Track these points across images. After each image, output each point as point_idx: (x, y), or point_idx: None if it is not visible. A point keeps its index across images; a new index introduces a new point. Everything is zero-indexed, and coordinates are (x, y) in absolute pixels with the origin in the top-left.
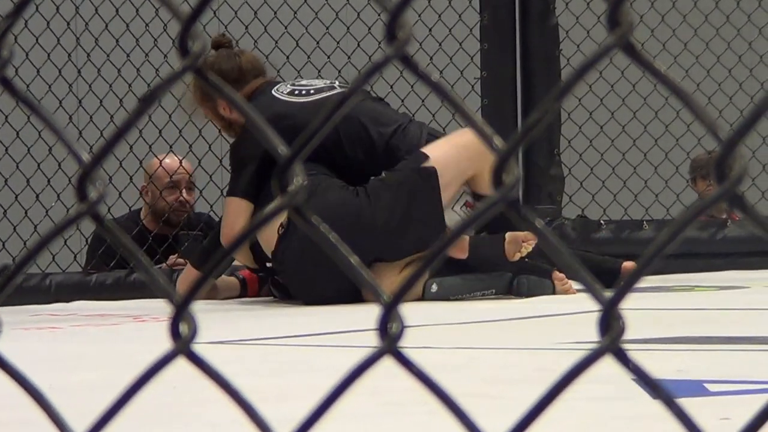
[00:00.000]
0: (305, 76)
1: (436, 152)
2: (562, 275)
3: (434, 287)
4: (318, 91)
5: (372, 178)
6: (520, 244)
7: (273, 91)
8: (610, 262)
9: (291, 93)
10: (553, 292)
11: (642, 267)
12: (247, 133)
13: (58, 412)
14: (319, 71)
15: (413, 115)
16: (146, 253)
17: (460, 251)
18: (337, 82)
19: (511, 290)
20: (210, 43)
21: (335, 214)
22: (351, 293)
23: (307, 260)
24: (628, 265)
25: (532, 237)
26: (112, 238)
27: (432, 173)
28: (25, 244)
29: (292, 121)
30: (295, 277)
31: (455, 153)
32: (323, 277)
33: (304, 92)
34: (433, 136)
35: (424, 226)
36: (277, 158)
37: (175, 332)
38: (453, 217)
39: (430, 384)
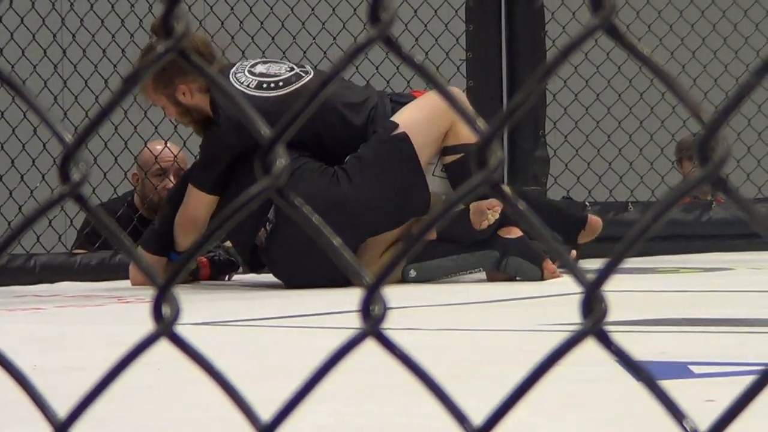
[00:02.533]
0: (291, 58)
1: (404, 117)
2: (553, 266)
3: (412, 272)
4: (287, 82)
5: (348, 156)
6: (485, 212)
7: (234, 83)
8: (576, 213)
9: (259, 87)
10: (541, 279)
11: (625, 248)
12: (225, 124)
13: (41, 393)
14: (305, 52)
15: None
16: (131, 235)
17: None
18: (298, 69)
19: (499, 269)
20: (152, 28)
21: (316, 203)
22: (344, 282)
23: (299, 254)
24: (593, 217)
25: (497, 203)
26: (95, 220)
27: (404, 138)
28: (9, 225)
29: (273, 118)
30: (288, 270)
31: (424, 114)
32: (316, 269)
33: (273, 85)
34: (397, 102)
35: (409, 192)
36: (259, 140)
37: (157, 314)
38: (432, 181)
39: (412, 366)
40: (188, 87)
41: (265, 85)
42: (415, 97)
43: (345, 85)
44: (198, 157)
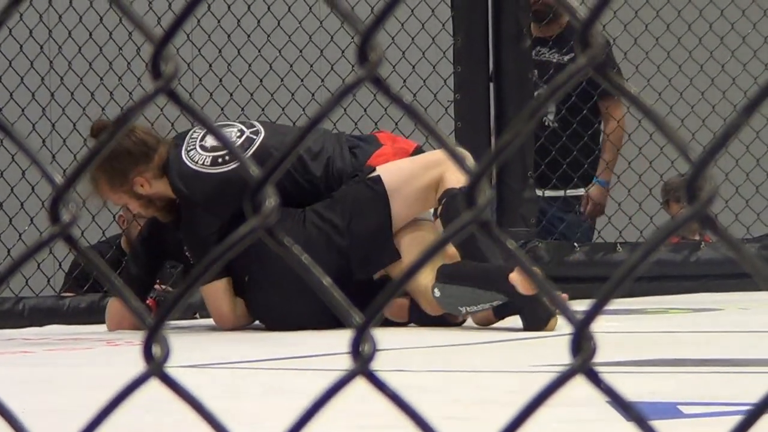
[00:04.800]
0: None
1: (388, 165)
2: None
3: (436, 292)
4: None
5: (322, 201)
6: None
7: (188, 163)
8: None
9: (214, 163)
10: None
11: (613, 287)
12: (194, 211)
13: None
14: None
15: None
16: (121, 276)
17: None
18: (249, 131)
19: (496, 315)
20: (92, 132)
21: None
22: (327, 321)
23: (278, 299)
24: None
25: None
26: (85, 261)
27: (377, 180)
28: (9, 252)
29: (234, 192)
30: (269, 315)
31: (407, 163)
32: (297, 313)
33: (228, 158)
34: (355, 144)
35: (379, 235)
36: (249, 180)
37: (148, 354)
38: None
39: (402, 405)
40: (144, 178)
41: (220, 160)
42: (377, 138)
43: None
44: (190, 255)
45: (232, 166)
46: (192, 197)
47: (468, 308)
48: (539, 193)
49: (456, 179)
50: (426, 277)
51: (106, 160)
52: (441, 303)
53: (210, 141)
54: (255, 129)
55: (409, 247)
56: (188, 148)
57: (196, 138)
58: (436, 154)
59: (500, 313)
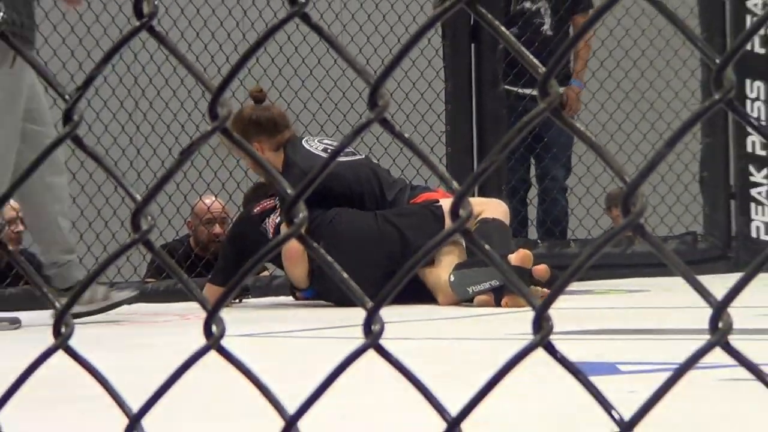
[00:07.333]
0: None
1: (447, 199)
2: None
3: (452, 277)
4: (346, 154)
5: (389, 210)
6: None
7: (305, 144)
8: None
9: (325, 151)
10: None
11: (564, 282)
12: (294, 179)
13: (117, 390)
14: (306, 127)
15: (394, 161)
16: (189, 268)
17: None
18: (353, 149)
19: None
20: (251, 94)
21: (360, 232)
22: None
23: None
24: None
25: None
26: (159, 260)
27: (439, 207)
28: (96, 260)
29: (339, 179)
30: (335, 290)
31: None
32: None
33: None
34: (418, 187)
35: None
36: (285, 197)
37: (208, 332)
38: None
39: (404, 372)
40: (260, 146)
41: (329, 150)
42: (431, 189)
43: (381, 167)
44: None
45: (341, 159)
46: (297, 166)
47: (474, 287)
48: (531, 92)
49: (490, 214)
50: (447, 274)
51: (243, 120)
52: (453, 287)
53: (327, 141)
54: (359, 152)
55: (446, 257)
56: (308, 140)
57: (316, 137)
58: (481, 203)
59: (498, 298)
